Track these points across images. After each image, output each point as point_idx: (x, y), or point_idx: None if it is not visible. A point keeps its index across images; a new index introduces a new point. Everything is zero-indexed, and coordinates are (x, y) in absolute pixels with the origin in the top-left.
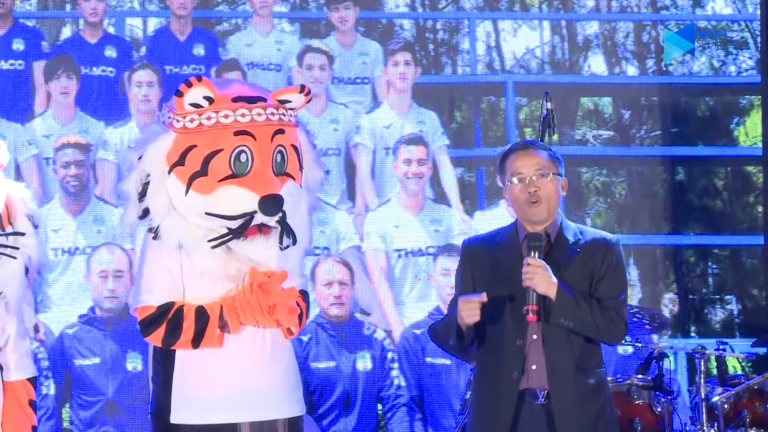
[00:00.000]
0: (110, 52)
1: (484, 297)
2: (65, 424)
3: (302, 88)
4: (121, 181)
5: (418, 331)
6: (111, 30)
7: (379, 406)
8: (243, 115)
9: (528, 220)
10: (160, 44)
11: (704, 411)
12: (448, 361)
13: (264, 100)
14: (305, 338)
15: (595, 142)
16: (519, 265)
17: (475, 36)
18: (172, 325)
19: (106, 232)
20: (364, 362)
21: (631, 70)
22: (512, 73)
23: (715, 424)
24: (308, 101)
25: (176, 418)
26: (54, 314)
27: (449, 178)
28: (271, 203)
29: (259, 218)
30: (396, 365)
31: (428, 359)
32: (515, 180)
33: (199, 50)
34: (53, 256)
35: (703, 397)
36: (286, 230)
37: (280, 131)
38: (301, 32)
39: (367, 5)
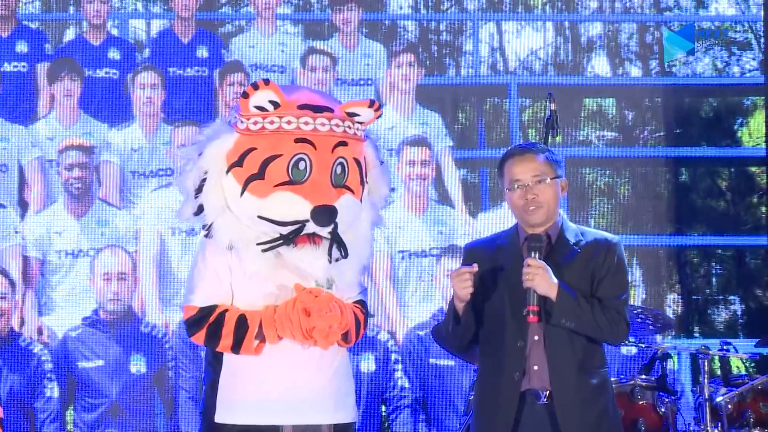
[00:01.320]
0: (113, 54)
1: (475, 267)
2: (69, 427)
3: (371, 102)
4: (179, 177)
5: (421, 333)
6: (114, 32)
7: (383, 408)
8: (306, 123)
9: (527, 224)
10: (163, 46)
11: (708, 411)
12: (451, 363)
13: (331, 110)
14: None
15: (599, 143)
16: (520, 267)
17: (479, 37)
18: (212, 330)
19: (110, 235)
20: (367, 363)
21: (635, 71)
22: (515, 74)
23: (719, 425)
24: (378, 117)
25: (220, 417)
26: (58, 317)
27: (453, 179)
28: (324, 214)
29: (311, 227)
30: (400, 366)
31: (432, 360)
32: (514, 186)
33: (202, 52)
34: (57, 259)
35: (706, 397)
36: (338, 242)
37: (343, 143)
38: (304, 34)
39: (370, 7)
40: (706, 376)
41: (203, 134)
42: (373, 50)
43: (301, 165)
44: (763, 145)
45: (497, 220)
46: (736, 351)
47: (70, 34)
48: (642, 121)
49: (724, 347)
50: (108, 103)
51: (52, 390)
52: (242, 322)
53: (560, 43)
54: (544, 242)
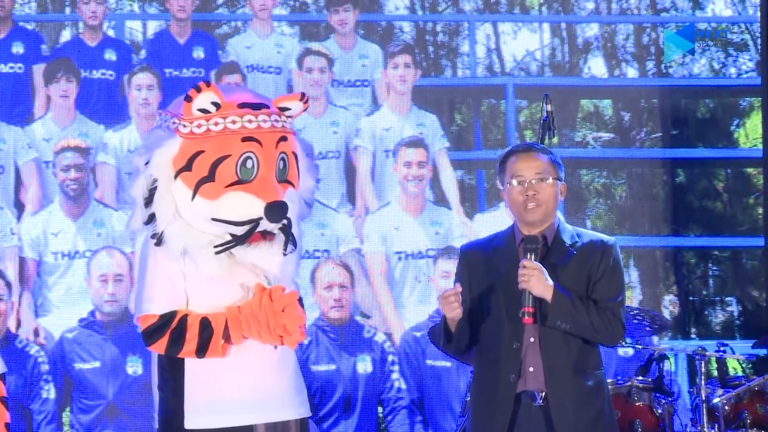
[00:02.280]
0: (110, 55)
1: (458, 288)
2: (66, 428)
3: (302, 96)
4: (127, 187)
5: (418, 334)
6: (111, 33)
7: (380, 409)
8: (250, 121)
9: (524, 222)
10: (159, 47)
11: (705, 412)
12: (448, 364)
13: (267, 106)
14: (305, 341)
15: (595, 144)
16: (515, 269)
17: (475, 38)
18: (175, 335)
19: (106, 236)
20: (364, 365)
21: (631, 72)
22: (512, 75)
23: (716, 426)
24: (305, 109)
25: (191, 423)
26: (54, 318)
27: (449, 180)
28: (277, 210)
29: (264, 224)
30: (396, 368)
31: (429, 362)
32: (514, 182)
33: (198, 53)
34: (53, 260)
35: (703, 398)
36: (289, 237)
37: (284, 138)
38: (300, 35)
39: (366, 8)
40: (703, 377)
41: (146, 142)
42: (370, 51)
43: (249, 164)
44: (760, 146)
45: (494, 222)
46: (733, 352)
47: (66, 35)
48: (638, 123)
49: (721, 348)
50: (104, 104)
51: (49, 391)
52: (206, 325)
53: (557, 45)
54: (540, 244)
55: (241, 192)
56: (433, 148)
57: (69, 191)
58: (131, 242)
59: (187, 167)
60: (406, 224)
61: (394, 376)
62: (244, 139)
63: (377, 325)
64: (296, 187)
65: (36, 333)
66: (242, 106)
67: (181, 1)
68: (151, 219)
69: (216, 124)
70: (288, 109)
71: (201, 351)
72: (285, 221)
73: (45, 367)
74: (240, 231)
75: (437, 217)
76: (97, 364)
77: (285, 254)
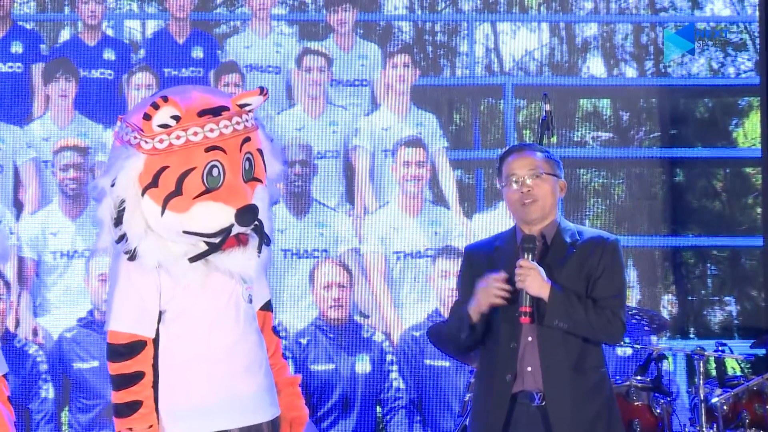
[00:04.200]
0: (109, 55)
1: (503, 275)
2: (64, 428)
3: (261, 89)
4: (95, 209)
5: (417, 334)
6: (110, 32)
7: (378, 409)
8: (212, 131)
9: (523, 221)
10: (158, 47)
11: (703, 412)
12: (447, 363)
13: (227, 108)
14: (304, 341)
15: (594, 143)
16: (514, 268)
17: (474, 38)
18: (124, 380)
19: None
20: (363, 365)
21: (630, 71)
22: (511, 75)
23: (715, 426)
24: (265, 100)
25: (169, 430)
26: (53, 317)
27: (448, 180)
28: (247, 214)
29: (236, 229)
30: (395, 367)
31: (427, 361)
32: (510, 181)
33: (197, 53)
34: (52, 260)
35: (702, 398)
36: (263, 237)
37: (247, 139)
38: (299, 34)
39: (365, 7)
40: (701, 377)
41: (109, 162)
42: (369, 51)
43: (215, 172)
44: (759, 146)
45: (492, 221)
46: (732, 352)
47: (65, 35)
48: (637, 122)
49: (720, 348)
50: (103, 104)
51: (47, 391)
52: (138, 406)
53: (555, 44)
54: (538, 243)
55: (210, 201)
56: (432, 147)
57: (68, 191)
58: None
59: (153, 183)
60: (404, 224)
61: (393, 375)
62: (208, 149)
63: (376, 325)
64: (264, 182)
65: (35, 332)
66: (202, 113)
67: (180, 0)
68: (121, 238)
69: (178, 137)
70: (248, 105)
71: (125, 411)
72: (257, 222)
73: (44, 367)
74: (214, 241)
75: (436, 217)
76: (95, 363)
77: (259, 255)
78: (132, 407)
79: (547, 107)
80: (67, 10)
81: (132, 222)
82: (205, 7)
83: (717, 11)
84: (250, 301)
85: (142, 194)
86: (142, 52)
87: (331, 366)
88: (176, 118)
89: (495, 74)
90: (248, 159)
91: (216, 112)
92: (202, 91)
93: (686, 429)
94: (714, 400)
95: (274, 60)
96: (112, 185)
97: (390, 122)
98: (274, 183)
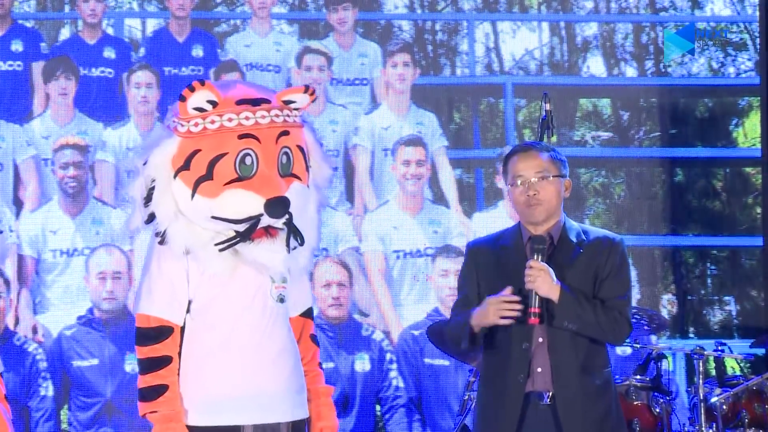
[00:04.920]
0: (109, 53)
1: (512, 295)
2: (64, 426)
3: (306, 88)
4: (126, 186)
5: (416, 332)
6: (110, 31)
7: (378, 407)
8: (247, 118)
9: (528, 222)
10: (158, 45)
11: (703, 412)
12: (446, 362)
13: (268, 101)
14: None
15: (594, 143)
16: (523, 268)
17: (474, 37)
18: (151, 364)
19: (105, 234)
20: (362, 363)
21: (630, 71)
22: (511, 74)
23: (714, 425)
24: (313, 100)
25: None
26: (52, 315)
27: (448, 179)
28: (278, 206)
29: (266, 221)
30: (394, 366)
31: (427, 360)
32: (516, 182)
33: (197, 51)
34: (51, 258)
35: (701, 397)
36: (294, 232)
37: (285, 133)
38: (299, 33)
39: (365, 6)
40: (701, 376)
41: (145, 142)
42: (369, 50)
43: (248, 160)
44: (759, 146)
45: (492, 220)
46: (731, 351)
47: (65, 33)
48: (637, 122)
49: (719, 348)
50: (103, 102)
51: (47, 389)
52: (164, 390)
53: (556, 43)
54: (547, 243)
55: (241, 189)
56: (432, 146)
57: (68, 189)
58: (130, 240)
59: (185, 166)
60: (404, 223)
61: (392, 374)
62: (241, 137)
63: (375, 324)
64: (304, 180)
65: (34, 330)
66: (240, 102)
67: None
68: (151, 218)
69: (212, 122)
70: (293, 102)
71: (151, 394)
72: (288, 216)
73: (43, 365)
74: (241, 228)
75: (436, 216)
76: (95, 361)
77: (289, 249)
78: (158, 391)
79: (547, 106)
80: (67, 8)
81: (161, 202)
82: (206, 5)
83: (717, 11)
84: (281, 301)
85: (174, 176)
86: (142, 51)
87: (331, 365)
88: (213, 103)
89: (495, 73)
90: (286, 153)
91: (255, 102)
92: (246, 85)
93: (685, 428)
94: (713, 399)
95: (274, 59)
96: (144, 164)
97: (390, 121)
98: (322, 188)
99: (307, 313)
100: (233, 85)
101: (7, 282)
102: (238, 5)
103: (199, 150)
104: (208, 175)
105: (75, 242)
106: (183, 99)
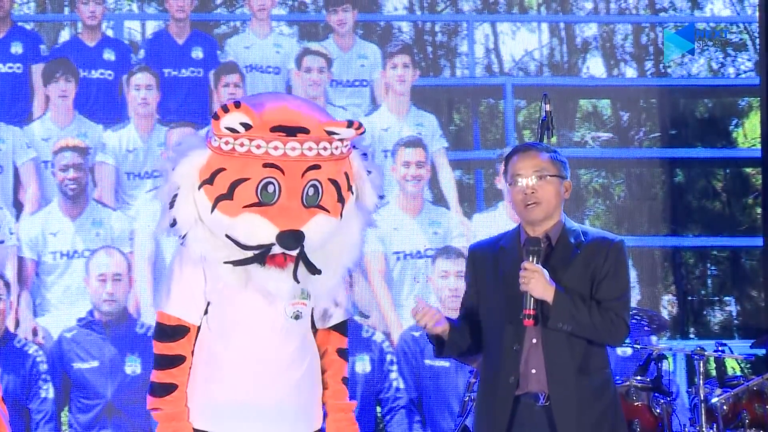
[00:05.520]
0: (109, 55)
1: (423, 307)
2: (64, 428)
3: (350, 123)
4: (159, 186)
5: (416, 334)
6: (109, 33)
7: (378, 409)
8: (276, 148)
9: (526, 222)
10: (158, 47)
11: (703, 412)
12: (447, 364)
13: (306, 131)
14: None
15: (594, 144)
16: (518, 270)
17: (474, 38)
18: (167, 362)
19: (105, 236)
20: (362, 364)
21: (630, 72)
22: (511, 75)
23: (714, 426)
24: (361, 134)
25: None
26: (52, 317)
27: (448, 180)
28: (290, 239)
29: (278, 250)
30: (395, 367)
31: (427, 361)
32: (515, 182)
33: (197, 53)
34: (52, 260)
35: (702, 398)
36: (305, 263)
37: (315, 167)
38: (299, 35)
39: (365, 8)
40: (701, 377)
41: (179, 146)
42: (368, 51)
43: (270, 188)
44: (759, 146)
45: (492, 221)
46: (732, 352)
47: (65, 35)
48: (637, 122)
49: (720, 348)
50: (103, 104)
51: (47, 391)
52: (173, 389)
53: (555, 44)
54: (542, 245)
55: (258, 216)
56: (432, 148)
57: (68, 191)
58: (130, 242)
59: (210, 181)
60: (404, 224)
61: (393, 375)
62: (266, 165)
63: (376, 325)
64: (333, 212)
65: (35, 332)
66: (275, 129)
67: (180, 1)
68: (174, 222)
69: (242, 144)
70: (336, 133)
71: (162, 390)
72: (300, 248)
73: (43, 367)
74: (250, 254)
75: (436, 217)
76: (95, 363)
77: (298, 281)
78: (167, 389)
79: (547, 107)
80: (66, 10)
81: (182, 209)
82: (205, 7)
83: (717, 11)
84: (296, 318)
85: (199, 188)
86: (141, 53)
87: None
88: (246, 125)
89: (495, 74)
90: (314, 186)
91: (291, 131)
92: (294, 106)
93: (686, 429)
94: (714, 400)
95: (273, 60)
96: (173, 170)
97: (390, 122)
98: (368, 211)
99: (338, 327)
100: (278, 104)
101: (7, 284)
102: (238, 7)
103: (224, 169)
104: (229, 195)
105: (75, 244)
106: (216, 117)
